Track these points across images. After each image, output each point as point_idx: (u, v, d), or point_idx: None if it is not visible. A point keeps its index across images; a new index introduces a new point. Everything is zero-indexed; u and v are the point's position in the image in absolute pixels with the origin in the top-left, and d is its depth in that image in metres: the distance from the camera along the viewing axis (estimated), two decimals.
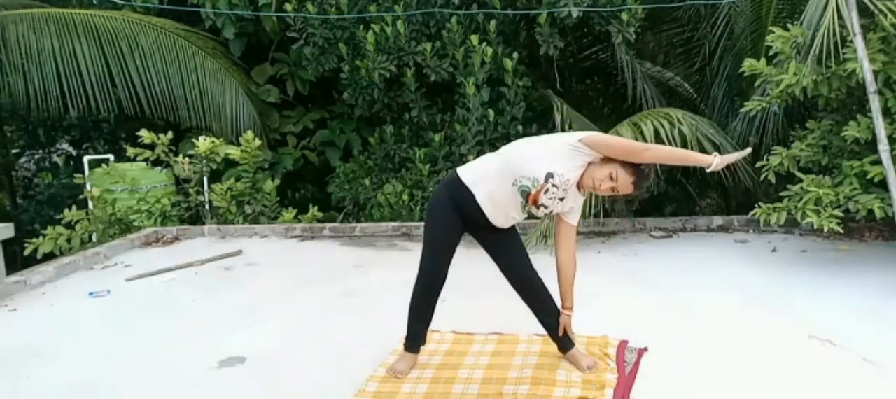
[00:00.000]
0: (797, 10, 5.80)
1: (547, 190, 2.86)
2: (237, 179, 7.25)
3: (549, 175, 2.85)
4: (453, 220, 3.06)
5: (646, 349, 3.44)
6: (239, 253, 5.88)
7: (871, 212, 4.51)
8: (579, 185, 2.93)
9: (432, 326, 3.68)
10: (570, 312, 3.17)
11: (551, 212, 2.97)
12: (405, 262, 5.48)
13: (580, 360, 3.22)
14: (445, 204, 3.07)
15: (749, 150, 3.22)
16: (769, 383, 3.06)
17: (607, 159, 2.88)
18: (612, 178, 2.86)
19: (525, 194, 2.90)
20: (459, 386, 3.09)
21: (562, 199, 2.92)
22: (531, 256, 3.23)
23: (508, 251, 3.16)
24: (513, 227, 3.18)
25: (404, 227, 6.49)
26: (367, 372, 3.25)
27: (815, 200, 4.65)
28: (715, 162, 2.86)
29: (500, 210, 3.00)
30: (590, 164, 2.90)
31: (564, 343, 3.26)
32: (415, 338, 3.27)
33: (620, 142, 2.99)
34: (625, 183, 2.86)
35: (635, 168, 2.87)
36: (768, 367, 3.22)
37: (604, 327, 3.68)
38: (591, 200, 5.32)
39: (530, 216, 3.10)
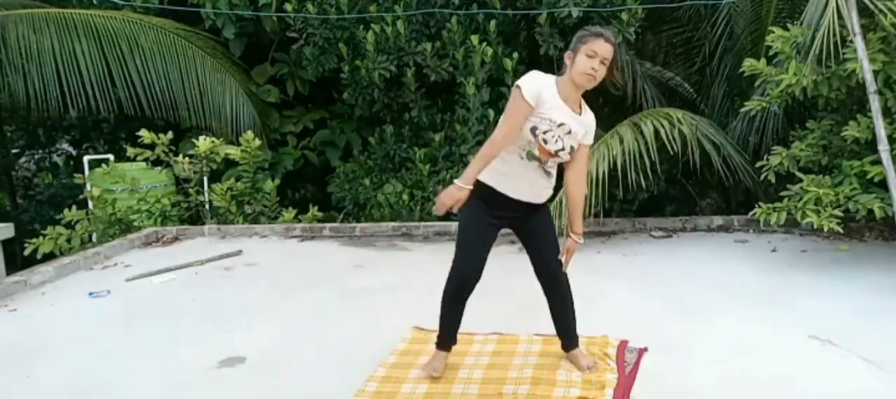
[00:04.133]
0: (797, 10, 5.80)
1: (545, 140, 2.89)
2: (237, 179, 7.24)
3: (533, 129, 2.89)
4: (482, 216, 3.03)
5: (646, 349, 3.44)
6: (239, 253, 5.88)
7: (871, 212, 4.52)
8: (572, 101, 2.93)
9: (432, 326, 3.69)
10: (578, 239, 3.11)
11: (573, 147, 2.96)
12: (405, 262, 5.49)
13: (580, 360, 3.22)
14: (474, 201, 3.01)
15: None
16: (769, 383, 3.06)
17: (571, 59, 2.88)
18: (589, 56, 2.83)
19: (535, 157, 2.93)
20: (459, 386, 3.09)
21: (570, 133, 2.92)
22: None
23: (539, 240, 3.14)
24: (547, 219, 3.16)
25: (404, 227, 6.49)
26: (366, 372, 3.25)
27: (815, 200, 4.66)
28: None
29: (521, 182, 2.98)
30: (558, 80, 2.94)
31: (568, 342, 3.26)
32: (446, 336, 3.21)
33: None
34: (596, 49, 2.82)
35: (583, 38, 2.85)
36: (768, 367, 3.22)
37: (604, 327, 3.68)
38: (590, 200, 5.33)
39: (560, 174, 3.10)
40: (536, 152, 2.92)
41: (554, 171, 3.05)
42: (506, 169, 2.97)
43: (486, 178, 2.98)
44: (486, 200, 3.01)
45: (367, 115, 7.73)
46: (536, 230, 3.14)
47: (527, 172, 2.97)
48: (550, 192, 3.10)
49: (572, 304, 3.23)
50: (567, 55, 2.94)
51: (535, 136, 2.89)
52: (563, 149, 2.93)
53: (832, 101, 4.90)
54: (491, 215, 3.03)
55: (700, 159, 5.74)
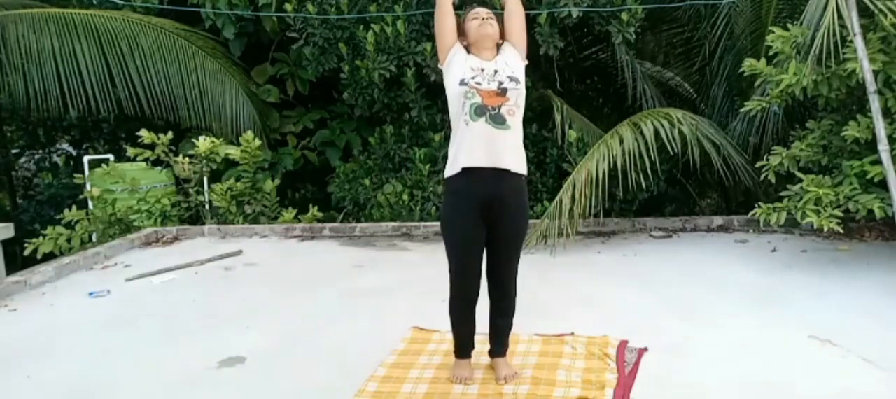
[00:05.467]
0: (797, 10, 5.79)
1: (479, 82, 2.88)
2: (237, 179, 7.25)
3: (462, 81, 2.89)
4: (462, 219, 2.92)
5: (646, 349, 3.44)
6: (239, 253, 5.88)
7: (871, 212, 4.52)
8: (485, 56, 3.00)
9: (432, 326, 3.70)
10: None
11: (511, 77, 2.93)
12: (405, 262, 5.49)
13: (500, 369, 3.15)
14: (452, 205, 2.97)
15: None
16: (769, 383, 3.06)
17: (466, 39, 3.05)
18: (474, 19, 3.03)
19: (482, 109, 2.85)
20: (459, 386, 3.09)
21: (496, 71, 2.93)
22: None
23: (502, 254, 3.01)
24: (519, 231, 3.03)
25: (404, 227, 6.49)
26: (366, 372, 3.25)
27: (814, 200, 4.65)
28: None
29: (477, 148, 2.84)
30: (466, 45, 3.04)
31: (495, 348, 3.20)
32: (462, 346, 3.18)
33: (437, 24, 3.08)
34: (476, 13, 3.05)
35: (463, 19, 3.08)
36: (768, 367, 3.22)
37: (604, 327, 3.69)
38: (590, 200, 5.33)
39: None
40: (479, 99, 2.85)
41: (513, 123, 2.87)
42: (459, 145, 2.89)
43: (450, 169, 2.93)
44: (458, 195, 2.91)
45: (367, 115, 7.73)
46: (504, 243, 2.98)
47: (479, 135, 2.83)
48: (516, 156, 2.91)
49: (512, 317, 3.15)
50: (460, 41, 3.05)
51: (466, 84, 2.87)
52: (501, 83, 2.89)
53: (832, 101, 4.90)
54: (469, 213, 2.89)
55: (700, 159, 5.74)
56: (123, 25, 7.54)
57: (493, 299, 3.13)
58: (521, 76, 2.99)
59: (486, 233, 2.96)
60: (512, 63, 3.00)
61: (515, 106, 2.90)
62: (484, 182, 2.87)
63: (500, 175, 2.87)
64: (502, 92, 2.87)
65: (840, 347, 3.41)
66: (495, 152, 2.85)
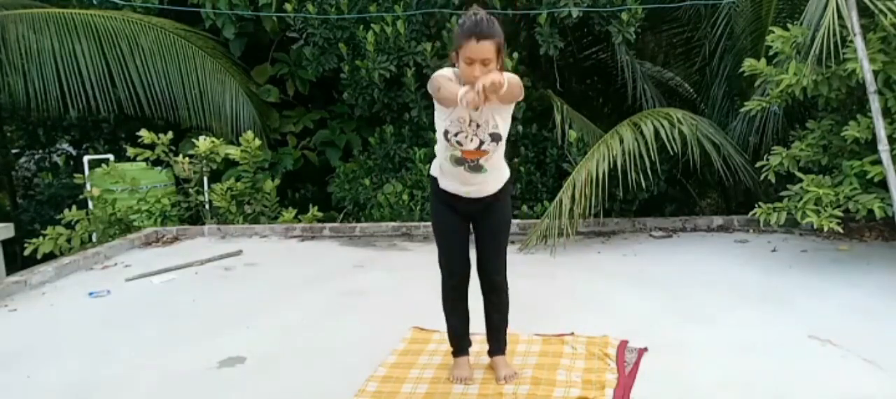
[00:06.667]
0: (797, 10, 5.79)
1: (460, 142, 2.80)
2: (237, 179, 7.24)
3: (445, 133, 2.82)
4: (447, 213, 3.05)
5: (646, 349, 3.44)
6: (239, 253, 5.88)
7: (871, 212, 4.52)
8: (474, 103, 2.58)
9: (432, 326, 3.70)
10: None
11: (493, 135, 2.80)
12: (405, 263, 5.49)
13: (499, 369, 3.15)
14: (435, 200, 3.10)
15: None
16: (769, 383, 3.06)
17: (456, 60, 2.72)
18: (468, 63, 2.63)
19: (461, 161, 2.86)
20: (459, 386, 3.09)
21: (479, 126, 2.77)
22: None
23: (488, 248, 3.08)
24: (503, 225, 3.09)
25: (404, 227, 6.49)
26: (366, 372, 3.25)
27: (814, 200, 4.65)
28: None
29: (456, 181, 2.95)
30: (458, 73, 2.74)
31: (493, 346, 3.20)
32: (457, 341, 3.19)
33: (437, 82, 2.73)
34: (471, 55, 2.62)
35: (458, 40, 2.67)
36: (768, 367, 3.22)
37: (604, 327, 3.69)
38: (591, 200, 5.33)
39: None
40: (459, 154, 2.86)
41: (491, 164, 2.89)
42: (443, 169, 2.98)
43: (433, 171, 3.06)
44: (442, 197, 3.04)
45: (367, 115, 7.73)
46: (488, 235, 3.07)
47: (458, 174, 2.92)
48: (493, 185, 2.98)
49: (507, 312, 3.17)
50: (451, 56, 2.80)
51: (448, 140, 2.83)
52: (482, 143, 2.83)
53: (832, 101, 4.90)
54: (453, 209, 3.03)
55: (700, 159, 5.74)
56: (123, 25, 7.54)
57: (486, 294, 3.15)
58: (505, 129, 2.87)
59: (469, 224, 3.08)
60: (498, 116, 2.81)
61: (494, 154, 2.91)
62: (464, 200, 3.00)
63: (478, 199, 3.00)
64: (480, 150, 2.86)
65: (840, 347, 3.41)
66: (472, 188, 2.97)
